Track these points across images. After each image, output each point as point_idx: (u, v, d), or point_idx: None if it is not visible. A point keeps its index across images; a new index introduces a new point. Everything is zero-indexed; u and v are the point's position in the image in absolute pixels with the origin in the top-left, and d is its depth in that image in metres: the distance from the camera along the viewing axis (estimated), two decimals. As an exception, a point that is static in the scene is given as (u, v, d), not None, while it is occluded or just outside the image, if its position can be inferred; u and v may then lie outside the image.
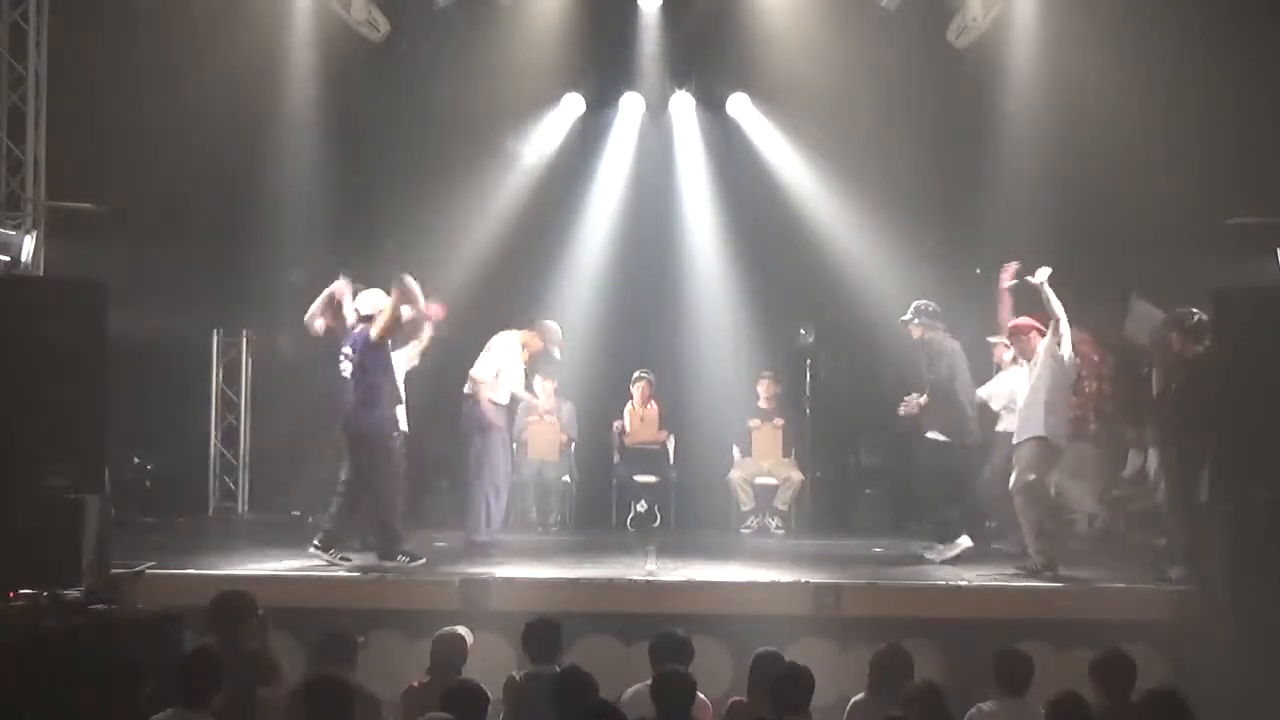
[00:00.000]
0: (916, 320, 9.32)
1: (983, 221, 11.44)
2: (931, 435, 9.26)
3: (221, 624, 6.16)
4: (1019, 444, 8.63)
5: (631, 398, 11.76)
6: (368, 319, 8.77)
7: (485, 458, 9.47)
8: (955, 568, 8.85)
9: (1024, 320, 8.78)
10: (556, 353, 10.05)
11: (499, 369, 9.62)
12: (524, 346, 9.77)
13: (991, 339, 9.55)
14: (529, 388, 10.39)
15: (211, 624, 6.19)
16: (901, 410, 9.37)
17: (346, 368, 8.80)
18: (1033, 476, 8.51)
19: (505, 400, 9.68)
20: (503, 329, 9.92)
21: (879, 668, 6.02)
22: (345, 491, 8.65)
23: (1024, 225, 11.01)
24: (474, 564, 8.70)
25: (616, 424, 11.77)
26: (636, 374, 11.73)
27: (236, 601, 6.31)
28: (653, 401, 11.75)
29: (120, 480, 10.19)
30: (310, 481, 10.49)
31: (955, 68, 11.36)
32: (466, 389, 9.58)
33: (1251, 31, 9.86)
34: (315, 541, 8.52)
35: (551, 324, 9.94)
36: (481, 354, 9.66)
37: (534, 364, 10.17)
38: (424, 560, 8.61)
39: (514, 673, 6.34)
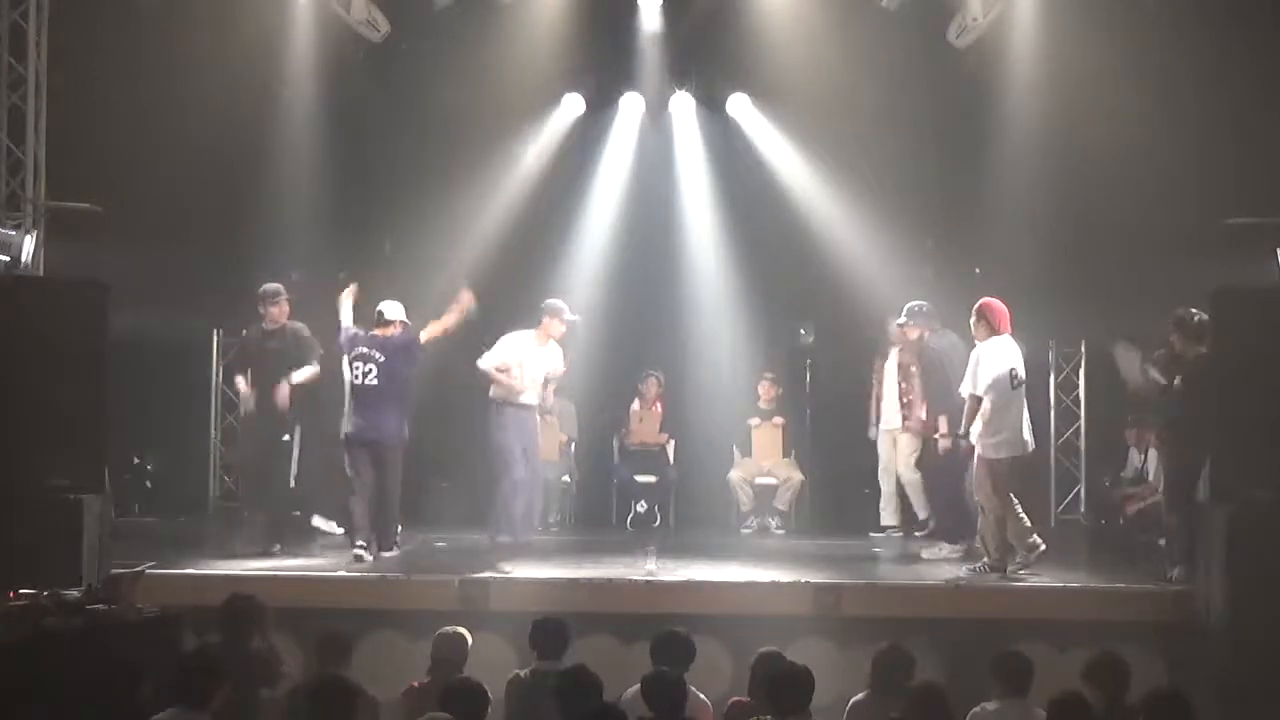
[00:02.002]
0: (912, 322, 9.30)
1: (983, 221, 11.45)
2: (939, 435, 9.26)
3: (230, 625, 6.16)
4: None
5: (640, 395, 11.77)
6: (388, 325, 9.00)
7: (509, 460, 9.43)
8: (955, 568, 8.86)
9: (989, 301, 8.63)
10: (571, 315, 9.77)
11: (516, 363, 9.54)
12: (548, 337, 9.61)
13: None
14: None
15: (221, 624, 6.19)
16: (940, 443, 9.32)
17: (365, 370, 8.93)
18: (981, 494, 8.54)
19: (535, 401, 9.67)
20: (501, 329, 9.89)
21: (880, 667, 6.02)
22: (377, 494, 9.02)
23: (1024, 225, 11.04)
24: (474, 564, 8.70)
25: (622, 431, 11.82)
26: (646, 371, 11.75)
27: (246, 605, 6.32)
28: (659, 403, 11.76)
29: (120, 480, 10.20)
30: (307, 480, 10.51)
31: (955, 68, 11.36)
32: (497, 393, 9.50)
33: (1251, 31, 9.86)
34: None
35: (553, 301, 9.76)
36: (496, 351, 9.57)
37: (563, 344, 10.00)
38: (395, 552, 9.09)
39: (519, 670, 6.35)
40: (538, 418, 9.90)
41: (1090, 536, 10.92)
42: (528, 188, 12.03)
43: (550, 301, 9.78)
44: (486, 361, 9.58)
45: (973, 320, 8.59)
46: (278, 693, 6.10)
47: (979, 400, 8.31)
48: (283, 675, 6.27)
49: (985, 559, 8.50)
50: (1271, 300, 8.12)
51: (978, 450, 8.43)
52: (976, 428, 8.37)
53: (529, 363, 9.62)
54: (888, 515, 10.74)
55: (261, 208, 11.29)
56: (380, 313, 9.08)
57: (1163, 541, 8.82)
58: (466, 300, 9.13)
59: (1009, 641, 6.69)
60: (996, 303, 8.58)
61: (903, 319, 9.37)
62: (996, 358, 8.36)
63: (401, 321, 9.08)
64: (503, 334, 9.82)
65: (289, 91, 11.25)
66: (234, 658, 5.79)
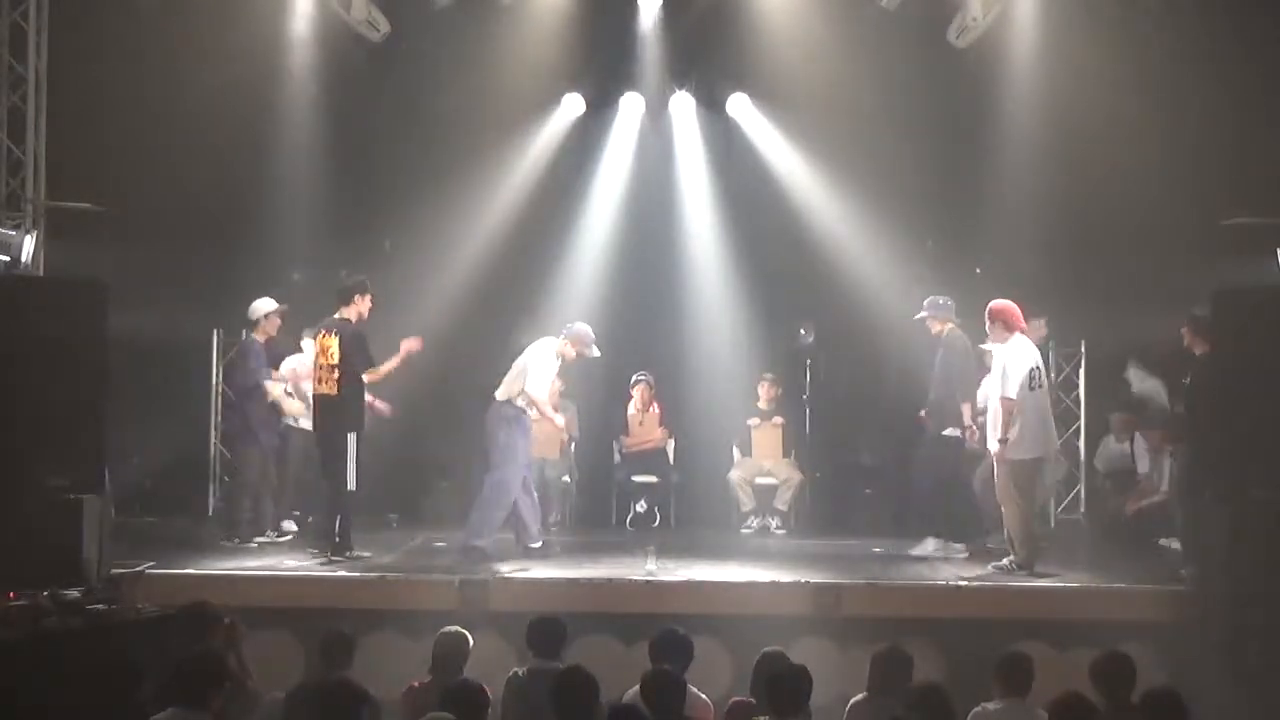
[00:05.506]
0: (932, 314, 9.34)
1: (983, 221, 11.45)
2: (948, 433, 9.27)
3: (191, 635, 6.13)
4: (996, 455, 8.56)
5: (633, 399, 11.76)
6: (255, 325, 9.79)
7: (520, 469, 9.37)
8: (955, 568, 8.86)
9: (1000, 303, 8.65)
10: (595, 351, 9.70)
11: (549, 379, 9.46)
12: (559, 356, 9.50)
13: (984, 346, 9.52)
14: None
15: (182, 635, 6.16)
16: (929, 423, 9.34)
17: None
18: (1004, 495, 8.52)
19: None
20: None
21: (879, 668, 6.02)
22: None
23: (1023, 225, 11.04)
24: (474, 564, 8.70)
25: (622, 437, 11.79)
26: (635, 376, 11.72)
27: (201, 611, 6.27)
28: (654, 405, 11.75)
29: (120, 480, 10.19)
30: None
31: (955, 68, 11.36)
32: (519, 402, 9.32)
33: (1250, 31, 9.87)
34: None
35: (583, 327, 9.65)
36: (529, 369, 9.30)
37: (565, 368, 10.01)
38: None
39: (516, 669, 6.35)
40: None
41: (1090, 536, 10.91)
42: (528, 188, 12.02)
43: (581, 328, 9.61)
44: (538, 388, 9.34)
45: (988, 325, 8.66)
46: (275, 695, 6.06)
47: (1012, 402, 8.30)
48: (251, 693, 6.15)
49: (1011, 557, 8.49)
50: (1271, 300, 8.12)
51: (1001, 452, 8.39)
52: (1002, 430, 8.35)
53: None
54: None
55: (262, 208, 11.29)
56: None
57: (1165, 541, 8.83)
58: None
59: (1009, 641, 6.70)
60: (1007, 303, 8.62)
61: (925, 312, 9.37)
62: (1022, 358, 8.40)
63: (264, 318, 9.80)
64: (505, 333, 9.77)
65: (289, 91, 11.25)
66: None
